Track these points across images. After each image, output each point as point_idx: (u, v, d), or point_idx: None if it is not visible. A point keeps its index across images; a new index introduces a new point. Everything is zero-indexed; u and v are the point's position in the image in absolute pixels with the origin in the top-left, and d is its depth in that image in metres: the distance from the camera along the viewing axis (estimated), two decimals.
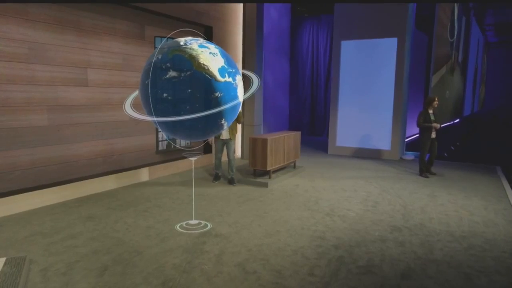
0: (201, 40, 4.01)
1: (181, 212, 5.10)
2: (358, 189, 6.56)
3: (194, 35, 4.28)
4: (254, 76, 4.94)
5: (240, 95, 4.08)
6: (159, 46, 3.98)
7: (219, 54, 3.86)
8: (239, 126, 7.90)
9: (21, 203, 4.97)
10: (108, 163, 6.43)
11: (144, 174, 6.90)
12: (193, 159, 4.76)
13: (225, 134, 6.60)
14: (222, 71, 3.75)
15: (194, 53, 3.67)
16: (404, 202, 5.78)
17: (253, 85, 4.87)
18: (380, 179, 7.33)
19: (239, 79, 4.01)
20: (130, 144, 6.82)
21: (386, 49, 9.60)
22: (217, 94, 3.72)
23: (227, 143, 6.68)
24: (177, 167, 7.67)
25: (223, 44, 8.77)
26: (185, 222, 4.72)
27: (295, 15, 14.33)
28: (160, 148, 7.51)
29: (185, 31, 4.80)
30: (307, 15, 14.27)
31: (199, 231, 4.46)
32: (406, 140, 10.70)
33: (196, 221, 4.76)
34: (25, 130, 5.17)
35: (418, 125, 7.47)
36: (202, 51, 3.72)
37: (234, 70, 3.92)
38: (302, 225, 4.70)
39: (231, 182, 6.70)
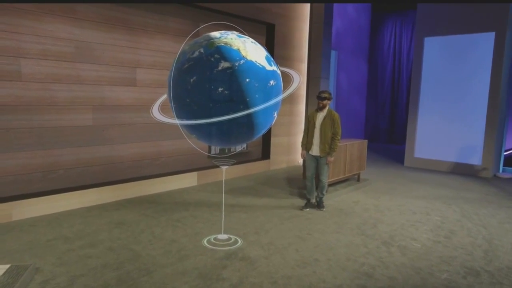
0: (235, 33, 3.62)
1: (216, 225, 4.61)
2: (431, 212, 5.46)
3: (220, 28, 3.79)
4: (295, 73, 4.31)
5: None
6: (186, 44, 3.58)
7: (258, 44, 3.64)
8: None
9: (60, 202, 4.93)
10: (155, 166, 6.24)
11: (192, 179, 6.58)
12: (224, 167, 4.26)
13: (315, 149, 5.26)
14: (268, 59, 3.56)
15: (237, 42, 3.37)
16: (490, 234, 4.60)
17: (294, 83, 4.24)
18: (462, 201, 6.08)
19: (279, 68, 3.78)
20: (179, 147, 6.55)
21: (480, 46, 8.12)
22: (272, 82, 3.52)
23: (319, 161, 5.30)
24: (229, 173, 7.24)
25: (286, 43, 8.17)
26: (213, 237, 4.23)
27: (376, 11, 13.14)
28: (213, 152, 7.16)
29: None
30: (390, 11, 12.96)
31: (227, 248, 3.93)
32: (505, 153, 8.99)
33: (226, 236, 4.24)
34: (69, 130, 5.14)
35: None
36: (244, 41, 3.46)
37: (274, 60, 3.69)
38: (349, 255, 3.89)
39: (318, 205, 5.40)
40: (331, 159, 5.23)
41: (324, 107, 5.19)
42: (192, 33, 4.31)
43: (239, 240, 4.18)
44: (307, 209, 5.35)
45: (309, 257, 3.80)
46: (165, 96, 4.16)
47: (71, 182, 5.22)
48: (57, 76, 4.95)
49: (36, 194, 4.80)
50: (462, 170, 8.48)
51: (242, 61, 3.27)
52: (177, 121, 3.65)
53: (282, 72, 3.96)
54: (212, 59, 3.23)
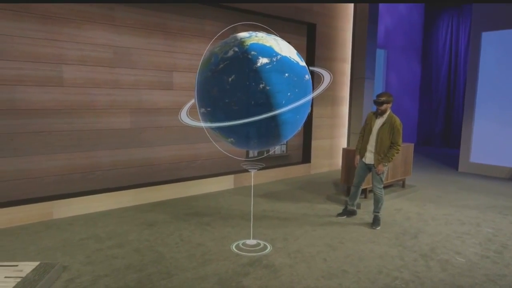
0: (263, 32, 3.54)
1: (246, 229, 4.52)
2: (483, 223, 4.96)
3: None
4: (326, 72, 4.12)
5: None
6: (213, 46, 3.52)
7: (285, 41, 3.56)
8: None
9: (97, 203, 5.11)
10: (192, 168, 6.29)
11: (228, 182, 6.56)
12: (253, 171, 4.15)
13: (368, 156, 4.76)
14: (298, 56, 3.52)
15: (269, 39, 3.34)
16: None
17: (324, 82, 4.06)
18: None
19: None
20: (217, 149, 6.52)
21: None
22: (307, 76, 3.49)
23: (372, 170, 4.77)
24: (267, 176, 7.14)
25: (328, 43, 7.92)
26: (242, 242, 4.14)
27: (429, 6, 12.37)
28: (251, 155, 7.09)
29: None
30: (445, 6, 12.13)
31: (253, 254, 3.82)
32: None
33: (254, 241, 4.14)
34: (107, 132, 5.32)
35: None
36: (275, 38, 3.43)
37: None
38: (382, 267, 3.61)
39: (373, 223, 4.75)
40: (381, 168, 4.58)
41: (384, 112, 4.59)
42: (220, 32, 4.26)
43: (268, 246, 4.05)
44: (343, 217, 5.07)
45: (337, 268, 3.58)
46: (192, 102, 4.14)
47: (109, 183, 5.40)
48: (96, 81, 5.15)
49: (76, 194, 5.01)
50: None
51: (278, 57, 3.24)
52: (213, 124, 3.52)
53: (312, 71, 3.81)
54: (249, 56, 3.17)
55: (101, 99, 5.22)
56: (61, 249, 3.87)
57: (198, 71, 3.50)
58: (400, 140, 4.57)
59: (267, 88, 3.14)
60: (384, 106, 4.57)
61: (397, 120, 4.58)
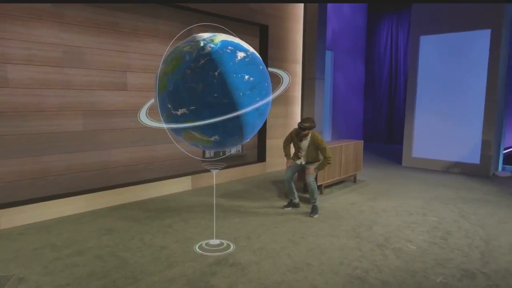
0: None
1: (208, 230, 4.52)
2: (428, 212, 5.37)
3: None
4: (285, 73, 4.27)
5: None
6: (179, 46, 3.47)
7: None
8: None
9: (50, 210, 4.85)
10: (149, 170, 6.16)
11: (186, 183, 6.50)
12: (215, 171, 4.18)
13: (302, 160, 5.37)
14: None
15: (233, 37, 3.44)
16: (488, 235, 4.51)
17: (283, 83, 4.21)
18: (460, 201, 5.98)
19: None
20: (174, 151, 6.46)
21: (476, 43, 8.04)
22: (269, 72, 3.68)
23: (304, 166, 5.36)
24: (225, 176, 7.17)
25: (280, 44, 8.11)
26: (205, 242, 4.15)
27: (372, 11, 13.08)
28: (207, 155, 7.08)
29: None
30: (386, 10, 12.88)
31: (218, 253, 3.85)
32: (505, 151, 8.88)
33: (218, 241, 4.17)
34: (59, 136, 5.06)
35: None
36: (235, 38, 3.51)
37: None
38: (342, 258, 3.80)
39: (312, 211, 5.15)
40: (312, 170, 5.13)
41: (306, 135, 5.15)
42: (181, 32, 4.24)
43: (231, 245, 4.10)
44: (289, 208, 5.40)
45: (301, 261, 3.72)
46: (151, 102, 4.07)
47: (62, 188, 5.14)
48: (45, 82, 4.88)
49: (26, 202, 4.72)
50: (461, 169, 8.38)
51: (250, 51, 3.39)
52: (201, 123, 3.20)
53: (271, 72, 3.92)
54: (228, 51, 3.23)
55: (51, 100, 4.96)
56: (14, 261, 3.64)
57: (164, 73, 3.41)
58: (329, 153, 5.08)
59: (251, 79, 3.24)
60: (307, 131, 5.09)
61: (318, 138, 5.12)
